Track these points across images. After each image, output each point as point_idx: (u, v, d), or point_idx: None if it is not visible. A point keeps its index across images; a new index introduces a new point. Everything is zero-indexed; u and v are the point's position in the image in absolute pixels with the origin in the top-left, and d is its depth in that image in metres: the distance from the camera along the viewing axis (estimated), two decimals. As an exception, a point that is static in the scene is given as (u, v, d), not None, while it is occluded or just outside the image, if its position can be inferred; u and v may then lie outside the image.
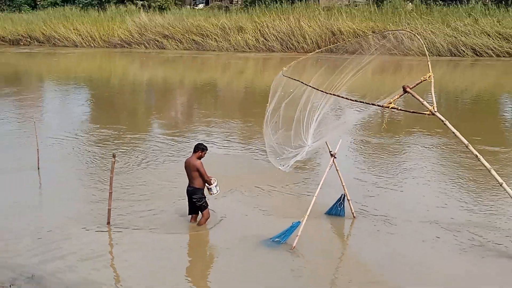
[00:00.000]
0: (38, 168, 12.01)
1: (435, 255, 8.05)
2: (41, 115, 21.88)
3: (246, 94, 27.52)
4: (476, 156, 7.91)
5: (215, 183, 8.93)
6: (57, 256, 7.98)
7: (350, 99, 8.06)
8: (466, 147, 7.92)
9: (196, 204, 8.89)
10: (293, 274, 7.66)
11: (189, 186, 8.90)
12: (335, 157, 8.88)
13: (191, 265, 8.20)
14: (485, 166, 7.93)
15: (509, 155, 13.85)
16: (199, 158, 8.84)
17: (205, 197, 8.92)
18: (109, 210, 8.90)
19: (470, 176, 12.04)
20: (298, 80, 8.86)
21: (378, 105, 8.09)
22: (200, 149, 8.89)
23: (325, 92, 8.31)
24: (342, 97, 8.16)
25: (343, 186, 9.06)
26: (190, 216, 9.20)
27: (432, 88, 7.95)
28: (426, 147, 14.82)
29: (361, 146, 14.93)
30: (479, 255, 8.02)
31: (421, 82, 7.92)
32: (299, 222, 8.21)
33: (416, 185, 11.66)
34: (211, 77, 33.77)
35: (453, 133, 7.99)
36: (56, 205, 10.33)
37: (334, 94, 8.23)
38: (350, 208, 9.22)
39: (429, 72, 7.81)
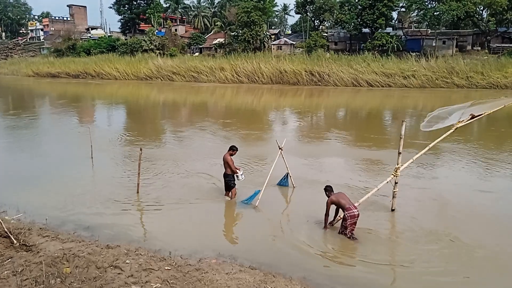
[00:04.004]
0: (92, 157, 11.67)
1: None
2: (92, 122, 21.30)
3: (225, 109, 27.32)
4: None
5: (241, 172, 8.42)
6: (104, 213, 7.78)
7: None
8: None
9: (228, 184, 8.43)
10: (255, 220, 7.69)
11: (224, 172, 8.46)
12: (282, 150, 8.94)
13: (202, 221, 7.74)
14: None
15: (385, 143, 14.27)
16: (231, 155, 8.38)
17: (233, 180, 8.42)
18: (138, 184, 8.75)
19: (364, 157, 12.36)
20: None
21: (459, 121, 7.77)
22: (232, 149, 8.43)
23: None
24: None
25: (286, 167, 9.09)
26: (225, 192, 8.61)
27: (478, 118, 7.75)
28: (339, 144, 15.08)
29: (299, 144, 15.07)
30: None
31: (481, 115, 7.68)
32: (259, 190, 8.25)
33: (325, 163, 12.11)
34: (203, 98, 33.37)
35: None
36: (103, 180, 10.04)
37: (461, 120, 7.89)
38: (292, 181, 9.29)
39: (490, 111, 7.62)
